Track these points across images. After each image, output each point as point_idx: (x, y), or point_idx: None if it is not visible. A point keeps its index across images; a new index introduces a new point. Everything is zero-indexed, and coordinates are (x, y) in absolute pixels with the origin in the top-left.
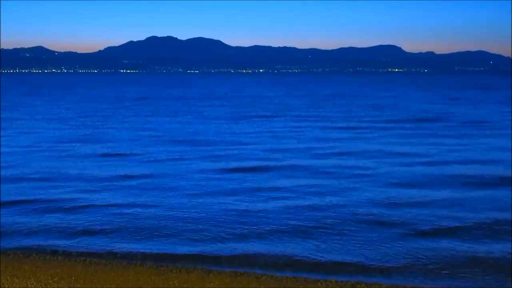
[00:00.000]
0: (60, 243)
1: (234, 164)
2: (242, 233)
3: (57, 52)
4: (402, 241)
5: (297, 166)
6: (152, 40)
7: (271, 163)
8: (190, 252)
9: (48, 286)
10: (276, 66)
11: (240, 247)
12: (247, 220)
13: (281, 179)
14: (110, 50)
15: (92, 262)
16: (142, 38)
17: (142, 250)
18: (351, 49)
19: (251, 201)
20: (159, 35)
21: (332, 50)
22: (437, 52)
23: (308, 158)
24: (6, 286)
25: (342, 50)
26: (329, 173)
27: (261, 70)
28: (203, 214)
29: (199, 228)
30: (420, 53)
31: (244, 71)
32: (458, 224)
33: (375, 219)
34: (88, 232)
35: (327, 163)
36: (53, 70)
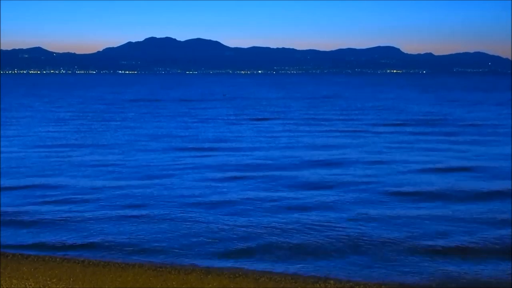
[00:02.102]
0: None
1: (228, 173)
2: (229, 249)
3: (55, 53)
4: (393, 260)
5: (294, 176)
6: (151, 41)
7: (268, 172)
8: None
9: (46, 287)
10: (275, 67)
11: (229, 264)
12: (232, 235)
13: (275, 190)
14: (108, 51)
15: (90, 263)
16: (141, 39)
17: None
18: (349, 50)
19: (234, 213)
20: (157, 36)
21: (331, 51)
22: (435, 53)
23: (306, 166)
24: (5, 287)
25: (340, 51)
26: (326, 183)
27: (259, 71)
28: (195, 226)
29: (192, 242)
30: (419, 54)
31: (243, 72)
32: (457, 242)
33: (363, 236)
34: (84, 246)
35: (323, 172)
36: (52, 71)
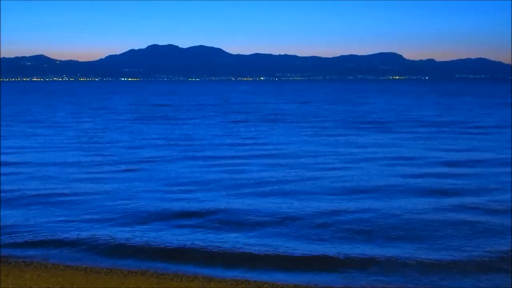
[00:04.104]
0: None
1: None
2: None
3: (58, 60)
4: None
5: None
6: (153, 48)
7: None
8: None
9: None
10: (277, 74)
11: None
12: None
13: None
14: (111, 58)
15: (93, 270)
16: (143, 46)
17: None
18: (351, 57)
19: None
20: (160, 43)
21: (333, 58)
22: (437, 60)
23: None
24: None
25: (342, 58)
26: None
27: (261, 78)
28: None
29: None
30: (421, 61)
31: (245, 79)
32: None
33: None
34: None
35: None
36: (54, 78)
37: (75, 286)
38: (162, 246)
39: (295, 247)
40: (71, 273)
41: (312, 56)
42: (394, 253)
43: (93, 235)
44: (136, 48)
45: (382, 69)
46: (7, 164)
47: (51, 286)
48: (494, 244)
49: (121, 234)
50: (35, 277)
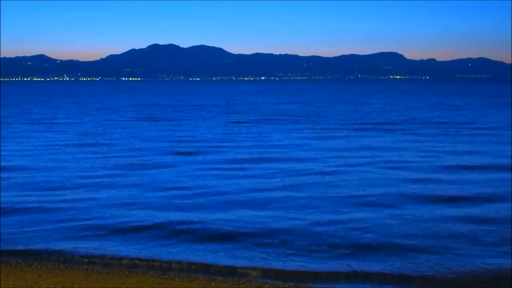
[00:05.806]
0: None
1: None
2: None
3: (59, 60)
4: None
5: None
6: (154, 48)
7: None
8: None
9: None
10: (278, 74)
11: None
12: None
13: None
14: (112, 58)
15: (94, 270)
16: (144, 46)
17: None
18: (352, 57)
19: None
20: (161, 43)
21: (334, 58)
22: (438, 60)
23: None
24: None
25: (343, 58)
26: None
27: (262, 78)
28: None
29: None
30: (422, 61)
31: (246, 78)
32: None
33: None
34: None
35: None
36: (55, 78)
37: (76, 286)
38: (155, 258)
39: (291, 260)
40: (72, 273)
41: (313, 56)
42: (389, 265)
43: (89, 243)
44: (137, 48)
45: (383, 69)
46: (8, 167)
47: (52, 286)
48: (494, 256)
49: (114, 243)
50: (36, 277)
